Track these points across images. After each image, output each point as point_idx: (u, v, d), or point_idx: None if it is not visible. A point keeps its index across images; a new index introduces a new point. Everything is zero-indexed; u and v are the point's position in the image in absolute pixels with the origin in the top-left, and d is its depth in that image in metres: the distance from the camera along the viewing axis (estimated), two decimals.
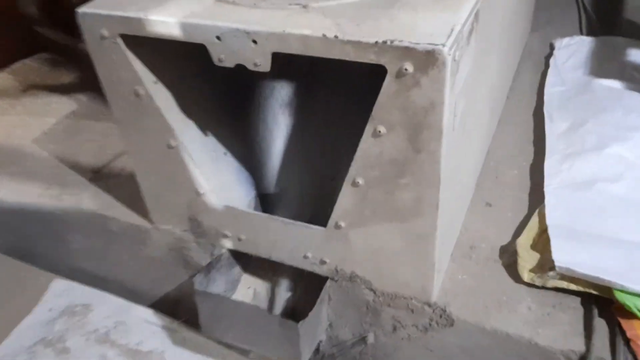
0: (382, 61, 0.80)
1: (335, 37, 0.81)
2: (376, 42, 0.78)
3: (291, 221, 1.10)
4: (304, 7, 0.89)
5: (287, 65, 1.01)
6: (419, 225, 0.96)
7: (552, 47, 1.93)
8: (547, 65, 1.82)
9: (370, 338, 1.19)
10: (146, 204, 1.29)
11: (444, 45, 0.75)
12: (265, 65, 0.89)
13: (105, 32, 0.98)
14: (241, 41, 0.88)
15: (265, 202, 1.30)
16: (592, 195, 1.23)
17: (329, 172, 1.23)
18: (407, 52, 0.77)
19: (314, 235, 1.09)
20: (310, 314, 1.08)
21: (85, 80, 1.87)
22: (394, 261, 1.04)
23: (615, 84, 1.64)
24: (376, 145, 0.89)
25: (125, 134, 1.15)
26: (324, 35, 0.81)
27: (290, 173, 1.26)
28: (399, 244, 1.00)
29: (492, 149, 1.48)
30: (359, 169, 0.94)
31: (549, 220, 1.16)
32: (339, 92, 1.18)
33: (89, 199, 1.42)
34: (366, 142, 0.90)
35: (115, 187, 1.43)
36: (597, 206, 1.21)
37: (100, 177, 1.48)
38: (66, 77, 1.96)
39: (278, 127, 1.25)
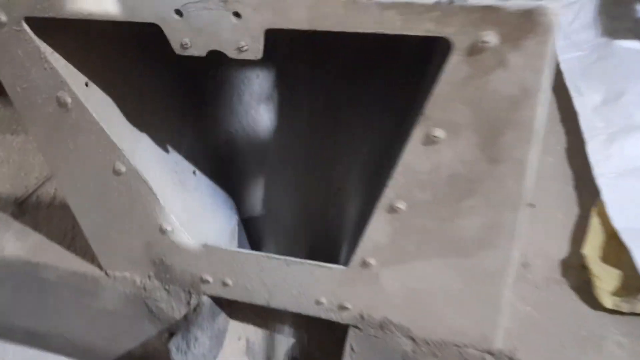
0: (445, 32, 0.51)
1: None
2: (438, 2, 0.49)
3: (297, 260, 0.81)
4: None
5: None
6: (486, 260, 0.68)
7: None
8: None
9: None
10: (92, 247, 0.96)
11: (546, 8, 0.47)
12: (255, 50, 0.58)
13: (3, 17, 0.64)
14: (215, 14, 0.57)
15: (251, 228, 1.00)
16: None
17: (330, 184, 0.95)
18: (489, 15, 0.49)
19: (330, 277, 0.80)
20: None
21: None
22: (444, 304, 0.77)
23: (636, 45, 1.40)
24: (429, 156, 0.61)
25: (50, 158, 0.82)
26: None
27: (280, 188, 0.97)
28: (454, 283, 0.73)
29: None
30: (399, 190, 0.65)
31: (616, 223, 0.92)
32: (340, 77, 0.89)
33: (12, 241, 1.09)
34: (413, 153, 0.61)
35: (45, 223, 1.10)
36: None
37: (25, 210, 1.14)
38: None
39: (258, 129, 0.96)
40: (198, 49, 0.60)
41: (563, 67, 1.38)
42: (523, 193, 0.61)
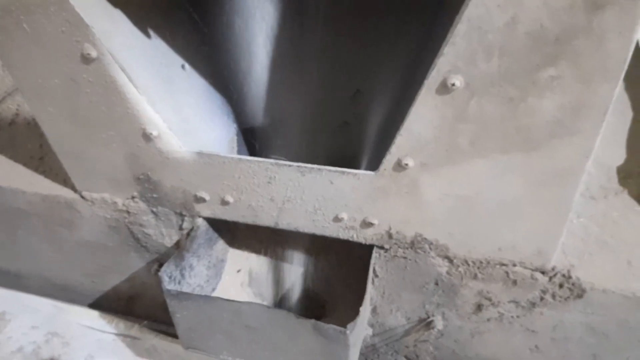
0: None
1: None
2: None
3: (314, 166, 0.66)
4: None
5: None
6: (561, 154, 0.54)
7: None
8: None
9: (438, 323, 0.80)
10: (63, 164, 0.80)
11: None
12: None
13: None
14: None
15: (254, 140, 0.85)
16: None
17: (348, 86, 0.80)
18: None
19: (354, 185, 0.66)
20: (361, 309, 0.67)
21: None
22: (496, 214, 0.64)
23: None
24: (505, 3, 0.45)
25: (4, 50, 0.64)
26: None
27: (287, 92, 0.82)
28: (514, 187, 0.59)
29: None
30: (458, 58, 0.50)
31: None
32: None
33: None
34: (482, 3, 0.45)
35: (10, 144, 0.93)
36: None
37: None
38: None
39: (263, 23, 0.80)
40: None
41: None
42: (628, 55, 0.46)
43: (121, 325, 0.98)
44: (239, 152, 0.84)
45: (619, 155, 0.82)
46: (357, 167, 0.83)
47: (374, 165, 0.65)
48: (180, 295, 0.73)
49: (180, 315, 0.75)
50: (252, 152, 0.86)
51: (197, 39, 0.76)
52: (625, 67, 0.47)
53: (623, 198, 0.76)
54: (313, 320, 0.67)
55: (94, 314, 1.01)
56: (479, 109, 0.53)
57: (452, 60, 0.51)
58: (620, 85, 0.49)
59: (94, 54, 0.61)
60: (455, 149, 0.57)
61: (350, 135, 0.81)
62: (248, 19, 0.80)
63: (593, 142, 0.53)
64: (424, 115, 0.56)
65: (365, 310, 0.72)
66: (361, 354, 0.91)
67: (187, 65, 0.74)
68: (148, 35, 0.69)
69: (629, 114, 0.89)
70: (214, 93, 0.80)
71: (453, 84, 0.52)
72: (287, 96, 0.83)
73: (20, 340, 1.01)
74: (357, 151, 0.83)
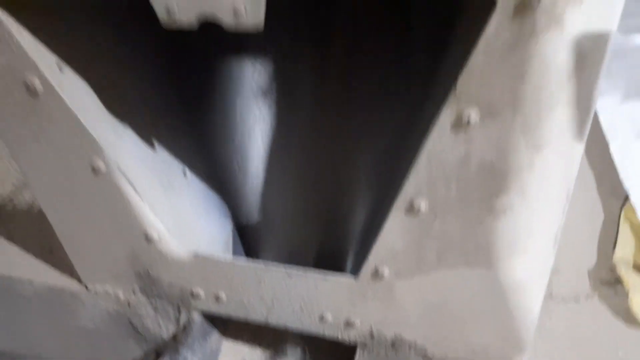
0: None
1: None
2: None
3: (299, 271, 0.71)
4: None
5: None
6: (520, 268, 0.59)
7: None
8: None
9: None
10: (70, 258, 0.86)
11: None
12: (255, 14, 0.49)
13: None
14: None
15: (247, 236, 0.91)
16: None
17: (336, 185, 0.86)
18: None
19: (337, 289, 0.71)
20: None
21: None
22: (466, 319, 0.68)
23: None
24: (458, 143, 0.52)
25: (20, 155, 0.72)
26: None
27: (280, 192, 0.88)
28: (479, 296, 0.64)
29: None
30: (421, 186, 0.56)
31: None
32: (346, 67, 0.80)
33: None
34: (439, 139, 0.52)
35: (22, 232, 1.00)
36: None
37: (0, 220, 1.04)
38: None
39: (255, 125, 0.87)
40: (188, 16, 0.51)
41: None
42: (570, 186, 0.52)
43: None
44: (234, 249, 0.89)
45: (592, 259, 0.87)
46: (344, 262, 0.88)
47: (357, 264, 0.70)
48: None
49: None
50: (247, 247, 0.92)
51: (195, 143, 0.84)
52: (569, 196, 0.53)
53: (594, 302, 0.80)
54: None
55: None
56: (443, 228, 0.59)
57: (416, 185, 0.57)
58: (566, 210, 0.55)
59: (102, 167, 0.68)
60: (424, 261, 0.63)
61: (337, 232, 0.86)
62: (242, 124, 0.87)
63: (547, 260, 0.58)
64: (395, 231, 0.61)
65: None
66: None
67: (188, 172, 0.82)
68: (152, 145, 0.76)
69: (601, 217, 0.94)
70: (211, 193, 0.86)
71: (418, 206, 0.58)
72: (278, 194, 0.89)
73: None
74: (345, 246, 0.88)
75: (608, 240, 0.89)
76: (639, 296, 0.77)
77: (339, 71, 0.78)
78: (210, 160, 0.86)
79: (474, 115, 0.49)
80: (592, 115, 0.48)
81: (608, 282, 0.82)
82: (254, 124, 0.88)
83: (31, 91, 0.62)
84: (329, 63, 0.78)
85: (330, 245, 0.88)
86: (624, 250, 0.84)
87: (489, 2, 0.43)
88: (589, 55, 0.44)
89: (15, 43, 0.59)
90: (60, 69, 0.63)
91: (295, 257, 0.90)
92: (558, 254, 0.87)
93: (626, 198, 0.93)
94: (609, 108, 1.12)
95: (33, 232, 1.00)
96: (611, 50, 1.28)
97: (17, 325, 1.05)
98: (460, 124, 0.50)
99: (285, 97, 0.87)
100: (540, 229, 0.55)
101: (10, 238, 1.00)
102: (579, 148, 0.50)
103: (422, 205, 0.58)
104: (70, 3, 0.54)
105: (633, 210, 0.89)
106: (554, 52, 0.44)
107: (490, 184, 0.54)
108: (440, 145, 0.53)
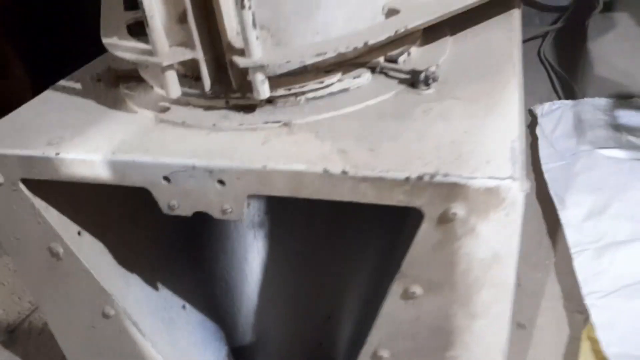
0: (416, 204, 0.54)
1: (344, 172, 0.54)
2: (407, 178, 0.52)
3: None
4: (286, 124, 0.63)
5: None
6: None
7: (532, 115, 1.77)
8: (534, 136, 1.64)
9: None
10: None
11: (513, 178, 0.50)
12: (238, 212, 0.61)
13: (0, 178, 0.68)
14: (201, 181, 0.60)
15: (242, 356, 1.00)
16: None
17: (321, 311, 0.95)
18: (457, 190, 0.52)
19: None
20: None
21: None
22: None
23: (618, 153, 1.46)
24: (409, 310, 0.62)
25: (43, 304, 0.83)
26: (326, 171, 0.55)
27: (271, 317, 0.98)
28: None
29: None
30: (382, 338, 0.66)
31: (606, 348, 0.92)
32: (328, 208, 0.92)
33: None
34: (393, 305, 0.63)
35: (36, 353, 1.09)
36: None
37: (16, 337, 1.13)
38: None
39: (250, 256, 0.98)
40: (185, 210, 0.63)
41: (547, 177, 1.42)
42: (503, 349, 0.62)
43: None
44: None
45: None
46: None
47: None
48: None
49: None
50: None
51: (195, 280, 0.95)
52: (505, 349, 0.63)
53: None
54: None
55: None
56: None
57: (379, 338, 0.66)
58: None
59: (112, 312, 0.79)
60: None
61: (325, 356, 0.95)
62: (238, 254, 0.98)
63: None
64: None
65: None
66: None
67: (187, 306, 0.92)
68: (155, 287, 0.87)
69: (567, 332, 1.03)
70: (208, 321, 0.96)
71: (381, 355, 0.67)
72: (270, 318, 0.99)
73: None
74: None
75: (573, 357, 0.97)
76: None
77: (325, 220, 0.90)
78: (208, 292, 0.96)
79: (417, 290, 0.60)
80: (512, 293, 0.58)
81: None
82: (249, 254, 0.99)
83: (54, 255, 0.74)
84: (316, 211, 0.90)
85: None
86: None
87: (419, 215, 0.54)
88: (501, 254, 0.55)
89: (43, 219, 0.71)
90: (80, 234, 0.75)
91: None
92: None
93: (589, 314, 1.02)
94: (574, 223, 1.23)
95: (45, 351, 1.09)
96: (579, 165, 1.40)
97: None
98: (409, 295, 0.61)
99: (278, 230, 0.99)
100: None
101: (25, 357, 1.10)
102: (506, 316, 0.60)
103: (385, 354, 0.67)
104: (89, 189, 0.66)
105: (593, 329, 0.98)
106: (473, 250, 0.55)
107: (439, 340, 0.64)
108: (394, 309, 0.63)
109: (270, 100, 0.66)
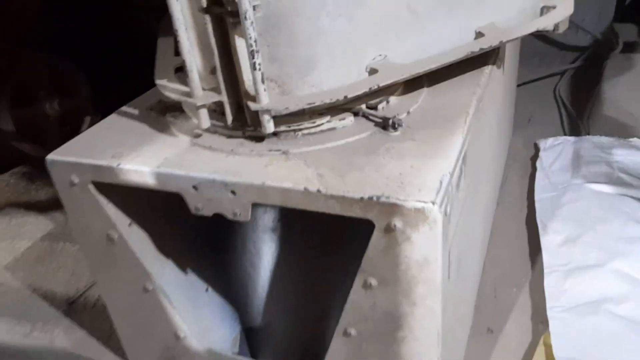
0: (368, 216, 0.74)
1: (318, 191, 0.76)
2: (362, 198, 0.73)
3: None
4: (284, 153, 0.85)
5: None
6: None
7: (536, 148, 1.93)
8: (534, 168, 1.80)
9: None
10: (123, 345, 1.19)
11: (434, 202, 0.71)
12: (245, 215, 0.83)
13: (75, 179, 0.93)
14: (219, 191, 0.83)
15: (251, 336, 1.21)
16: (598, 320, 1.16)
17: (318, 307, 1.16)
18: (395, 208, 0.72)
19: None
20: None
21: None
22: None
23: (606, 188, 1.61)
24: (368, 297, 0.82)
25: (98, 277, 1.08)
26: (306, 189, 0.77)
27: (277, 306, 1.19)
28: None
29: (488, 265, 1.42)
30: (350, 320, 0.87)
31: (556, 353, 1.09)
32: (325, 224, 1.13)
33: (61, 335, 1.33)
34: (357, 293, 0.83)
35: (90, 322, 1.34)
36: (604, 333, 1.14)
37: (74, 309, 1.39)
38: (43, 192, 1.91)
39: (262, 255, 1.19)
40: (207, 212, 0.85)
41: (537, 205, 1.58)
42: (437, 330, 0.81)
43: None
44: (240, 346, 1.20)
45: None
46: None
47: None
48: None
49: None
50: (251, 345, 1.22)
51: (217, 269, 1.17)
52: (439, 334, 0.82)
53: None
54: None
55: None
56: (367, 348, 0.88)
57: (347, 319, 0.87)
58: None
59: (150, 287, 1.02)
60: None
61: (319, 336, 1.15)
62: (254, 251, 1.20)
63: None
64: (338, 347, 0.90)
65: None
66: None
67: (210, 289, 1.15)
68: (184, 272, 1.10)
69: (529, 339, 1.20)
70: (225, 304, 1.18)
71: (350, 332, 0.88)
72: (277, 305, 1.20)
73: None
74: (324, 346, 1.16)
75: (529, 359, 1.14)
76: None
77: (323, 233, 1.11)
78: (227, 280, 1.19)
79: (373, 282, 0.80)
80: (441, 289, 0.78)
81: None
82: (263, 252, 1.21)
83: (110, 240, 0.98)
84: (317, 226, 1.12)
85: (314, 346, 1.16)
86: None
87: (372, 225, 0.75)
88: (430, 258, 0.75)
89: (103, 212, 0.95)
90: (130, 225, 0.99)
91: (287, 353, 1.19)
92: None
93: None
94: (551, 248, 1.39)
95: (98, 321, 1.34)
96: (567, 196, 1.57)
97: None
98: (367, 286, 0.81)
99: (287, 236, 1.20)
100: (423, 353, 0.84)
101: (81, 324, 1.35)
102: (438, 307, 0.79)
103: (352, 331, 0.88)
104: (139, 192, 0.90)
105: (549, 337, 1.14)
106: (410, 254, 0.75)
107: (392, 323, 0.83)
108: (358, 297, 0.83)
109: (275, 134, 0.88)
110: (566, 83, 2.40)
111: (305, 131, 0.88)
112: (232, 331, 1.18)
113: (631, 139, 1.89)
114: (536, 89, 2.39)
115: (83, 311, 1.39)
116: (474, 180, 1.02)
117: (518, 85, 2.05)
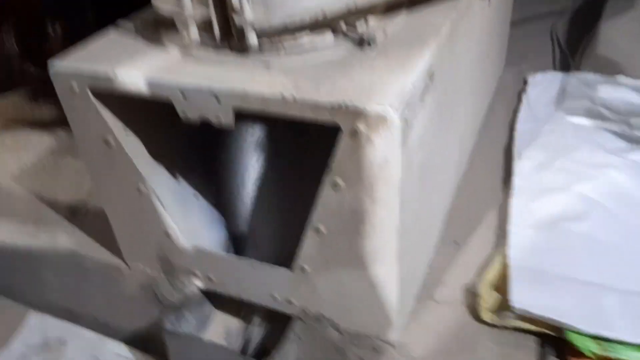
0: (337, 121, 0.83)
1: (293, 98, 0.84)
2: (330, 104, 0.82)
3: (258, 263, 1.13)
4: (266, 65, 0.93)
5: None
6: (378, 272, 0.99)
7: (525, 83, 1.98)
8: (520, 101, 1.87)
9: None
10: (119, 244, 1.31)
11: (393, 108, 0.79)
12: (228, 121, 0.92)
13: (75, 87, 1.01)
14: (204, 98, 0.91)
15: (237, 241, 1.33)
16: (555, 235, 1.27)
17: (297, 215, 1.26)
18: (359, 113, 0.81)
19: (280, 277, 1.11)
20: (275, 353, 1.11)
21: (64, 115, 1.88)
22: (357, 303, 1.07)
23: (583, 121, 1.68)
24: (336, 196, 0.92)
25: (96, 180, 1.18)
26: (282, 96, 0.85)
27: (261, 214, 1.29)
28: (360, 288, 1.03)
29: (463, 186, 1.51)
30: (319, 217, 0.97)
31: (510, 261, 1.19)
32: (304, 135, 1.21)
33: (64, 237, 1.45)
34: (325, 193, 0.93)
35: (90, 226, 1.46)
36: (559, 246, 1.24)
37: (76, 214, 1.50)
38: (46, 111, 1.99)
39: (249, 168, 1.28)
40: (194, 117, 0.94)
41: (516, 135, 1.66)
42: (396, 226, 0.91)
43: (139, 355, 1.42)
44: (227, 250, 1.32)
45: (470, 277, 1.24)
46: None
47: None
48: (174, 335, 1.19)
49: (171, 347, 1.20)
50: (236, 250, 1.33)
51: (206, 177, 1.27)
52: (398, 231, 0.92)
53: (459, 305, 1.17)
54: (244, 356, 1.12)
55: (123, 346, 1.45)
56: (335, 243, 0.98)
57: (318, 216, 0.97)
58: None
59: (144, 190, 1.12)
60: (328, 262, 1.02)
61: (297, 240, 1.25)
62: (242, 164, 1.29)
63: (394, 269, 0.97)
64: (310, 243, 1.01)
65: (282, 356, 1.14)
66: None
67: (199, 195, 1.25)
68: (175, 177, 1.20)
69: (489, 251, 1.31)
70: (214, 210, 1.29)
71: (320, 229, 0.98)
72: (261, 213, 1.30)
73: (72, 359, 1.46)
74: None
75: (486, 266, 1.26)
76: (484, 303, 1.13)
77: (302, 146, 1.20)
78: (215, 187, 1.29)
79: (341, 182, 0.90)
80: (400, 189, 0.87)
81: (472, 293, 1.19)
82: (250, 164, 1.30)
83: (107, 144, 1.07)
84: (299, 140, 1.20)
85: (293, 247, 1.27)
86: (489, 273, 1.20)
87: (340, 129, 0.83)
88: (389, 159, 0.84)
89: (101, 118, 1.04)
90: (125, 132, 1.08)
91: (269, 254, 1.30)
92: (451, 273, 1.26)
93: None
94: (523, 173, 1.48)
95: (97, 224, 1.45)
96: (546, 128, 1.65)
97: (77, 289, 1.50)
98: (335, 186, 0.91)
99: (273, 149, 1.29)
100: (383, 247, 0.95)
101: (81, 227, 1.47)
102: (396, 204, 0.89)
103: (322, 228, 0.98)
104: (134, 100, 0.99)
105: (506, 247, 1.25)
106: (372, 155, 0.84)
107: (356, 219, 0.94)
108: (327, 196, 0.93)
109: (260, 48, 0.96)
110: (564, 22, 2.42)
111: (287, 46, 0.96)
112: (218, 234, 1.30)
113: (618, 77, 1.93)
114: (534, 27, 2.41)
115: (84, 217, 1.50)
116: (446, 101, 1.10)
117: (515, 23, 2.08)
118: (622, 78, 1.93)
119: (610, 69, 1.98)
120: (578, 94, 1.84)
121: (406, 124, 0.83)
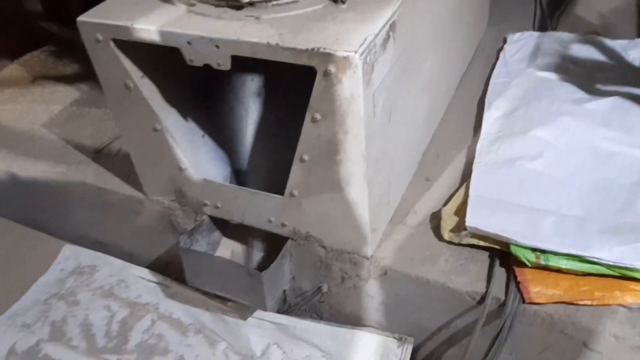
0: (312, 63, 1.03)
1: (277, 44, 1.04)
2: (307, 49, 1.02)
3: (255, 191, 1.34)
4: (257, 18, 1.13)
5: (254, 62, 1.24)
6: (352, 194, 1.19)
7: (504, 42, 2.14)
8: (497, 59, 2.03)
9: (325, 288, 1.44)
10: (139, 178, 1.53)
11: (355, 52, 0.99)
12: (226, 65, 1.12)
13: (100, 37, 1.21)
14: (206, 46, 1.11)
15: (239, 177, 1.54)
16: (511, 172, 1.46)
17: (291, 152, 1.47)
18: (330, 57, 1.01)
19: (274, 203, 1.33)
20: (272, 265, 1.33)
21: (86, 71, 2.10)
22: (337, 223, 1.28)
23: (550, 75, 1.85)
24: (315, 129, 1.12)
25: (118, 120, 1.39)
26: (268, 43, 1.05)
27: (260, 152, 1.49)
28: (339, 209, 1.24)
29: (437, 133, 1.70)
30: (303, 148, 1.17)
31: (471, 192, 1.40)
32: (295, 86, 1.41)
33: (91, 175, 1.67)
34: (307, 126, 1.13)
35: (113, 165, 1.68)
36: (514, 180, 1.44)
37: (101, 156, 1.73)
38: (69, 68, 2.20)
39: (249, 113, 1.48)
40: (198, 62, 1.14)
41: (489, 89, 1.84)
42: (363, 154, 1.12)
43: (160, 277, 1.64)
44: (230, 183, 1.53)
45: (437, 206, 1.44)
46: None
47: None
48: (188, 251, 1.41)
49: (186, 262, 1.43)
50: (238, 183, 1.55)
51: (212, 119, 1.48)
52: (365, 157, 1.13)
53: (426, 228, 1.39)
54: (246, 267, 1.34)
55: (145, 270, 1.67)
56: (316, 170, 1.19)
57: (302, 147, 1.17)
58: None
59: (159, 127, 1.33)
60: (312, 187, 1.22)
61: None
62: (242, 109, 1.49)
63: (364, 190, 1.17)
64: (297, 170, 1.22)
65: (276, 268, 1.36)
66: (290, 310, 1.54)
67: (206, 135, 1.47)
68: (185, 118, 1.41)
69: (457, 185, 1.51)
70: (219, 149, 1.50)
71: (304, 158, 1.19)
72: (260, 151, 1.50)
73: (102, 282, 1.66)
74: None
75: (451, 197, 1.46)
76: (445, 225, 1.34)
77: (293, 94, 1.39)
78: (220, 129, 1.50)
79: (318, 116, 1.10)
80: (365, 120, 1.07)
81: (437, 218, 1.40)
82: (250, 109, 1.50)
83: (127, 88, 1.28)
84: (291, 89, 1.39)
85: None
86: (453, 203, 1.41)
87: (314, 70, 1.03)
88: (355, 95, 1.03)
89: (121, 64, 1.24)
90: (142, 77, 1.29)
91: (267, 185, 1.49)
92: (422, 203, 1.47)
93: None
94: (490, 121, 1.66)
95: (119, 164, 1.67)
96: (515, 81, 1.84)
97: (104, 221, 1.73)
98: (314, 120, 1.11)
99: (270, 96, 1.49)
100: (355, 173, 1.15)
101: (107, 167, 1.69)
102: (362, 133, 1.09)
103: (306, 157, 1.19)
104: (149, 48, 1.19)
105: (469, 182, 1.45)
106: (341, 92, 1.04)
107: (332, 148, 1.14)
108: (308, 129, 1.13)
109: (251, 4, 1.15)
110: None
111: (275, 2, 1.15)
112: (223, 170, 1.51)
113: (591, 36, 2.09)
114: None
115: (107, 158, 1.72)
116: (411, 51, 1.28)
117: None
118: (594, 37, 2.09)
119: (584, 28, 2.14)
120: (551, 52, 2.00)
121: (368, 66, 1.03)
